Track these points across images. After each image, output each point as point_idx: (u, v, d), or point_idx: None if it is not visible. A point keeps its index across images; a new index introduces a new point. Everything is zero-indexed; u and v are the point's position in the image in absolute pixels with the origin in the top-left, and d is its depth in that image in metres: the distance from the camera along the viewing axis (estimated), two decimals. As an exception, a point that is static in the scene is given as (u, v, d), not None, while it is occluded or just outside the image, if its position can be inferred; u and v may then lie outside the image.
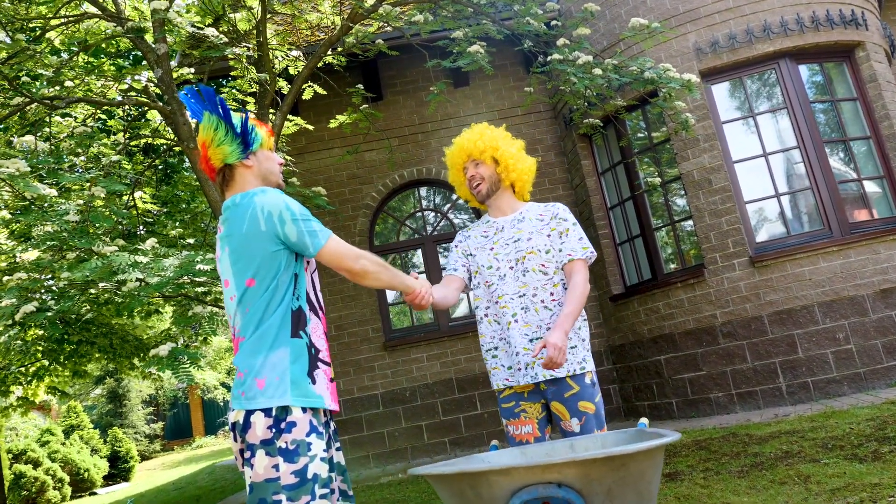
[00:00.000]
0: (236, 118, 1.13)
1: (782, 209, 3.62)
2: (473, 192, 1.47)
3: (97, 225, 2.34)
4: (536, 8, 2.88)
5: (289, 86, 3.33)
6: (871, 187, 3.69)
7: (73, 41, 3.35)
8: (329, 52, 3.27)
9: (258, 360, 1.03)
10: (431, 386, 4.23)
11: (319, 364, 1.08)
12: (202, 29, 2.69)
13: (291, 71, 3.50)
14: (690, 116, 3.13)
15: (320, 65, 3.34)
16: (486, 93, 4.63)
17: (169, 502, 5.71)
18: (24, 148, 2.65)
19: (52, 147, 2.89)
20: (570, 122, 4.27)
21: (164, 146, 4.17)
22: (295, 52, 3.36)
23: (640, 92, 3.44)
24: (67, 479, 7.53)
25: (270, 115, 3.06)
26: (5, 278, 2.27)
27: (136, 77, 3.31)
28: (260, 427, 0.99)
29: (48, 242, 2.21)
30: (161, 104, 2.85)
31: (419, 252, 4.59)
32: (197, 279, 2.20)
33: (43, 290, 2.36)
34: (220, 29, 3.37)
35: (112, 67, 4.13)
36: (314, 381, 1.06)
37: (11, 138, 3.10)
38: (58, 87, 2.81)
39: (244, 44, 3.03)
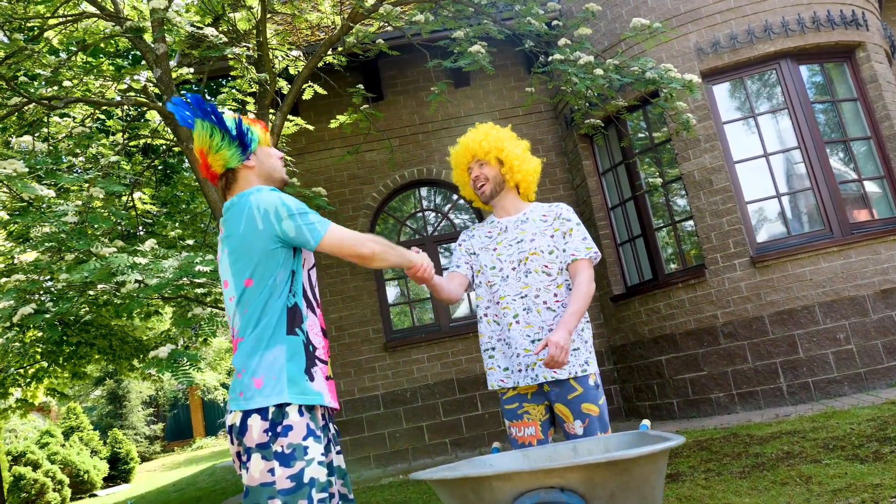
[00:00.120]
0: (230, 121, 1.12)
1: (783, 209, 3.61)
2: (477, 193, 1.46)
3: (96, 226, 2.33)
4: (537, 8, 2.88)
5: (289, 86, 3.32)
6: (871, 187, 3.68)
7: (71, 41, 3.34)
8: (329, 52, 3.26)
9: (255, 359, 1.03)
10: (432, 387, 4.23)
11: (317, 362, 1.07)
12: (201, 28, 2.68)
13: (291, 71, 3.49)
14: (692, 117, 3.13)
15: (320, 65, 3.33)
16: (487, 93, 4.62)
17: None
18: (23, 148, 2.63)
19: (51, 147, 2.88)
20: (572, 123, 4.26)
21: (164, 146, 4.16)
22: (295, 52, 3.35)
23: (642, 92, 3.43)
24: (67, 480, 7.52)
25: (270, 116, 3.05)
26: (3, 280, 2.26)
27: (135, 77, 3.30)
28: (256, 430, 0.98)
29: (46, 244, 2.20)
30: (160, 104, 2.84)
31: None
32: (196, 280, 2.19)
33: (41, 292, 2.35)
34: (220, 28, 3.36)
35: (111, 67, 4.11)
36: (312, 379, 1.05)
37: (9, 139, 3.09)
38: (56, 87, 2.80)
39: (244, 43, 3.02)
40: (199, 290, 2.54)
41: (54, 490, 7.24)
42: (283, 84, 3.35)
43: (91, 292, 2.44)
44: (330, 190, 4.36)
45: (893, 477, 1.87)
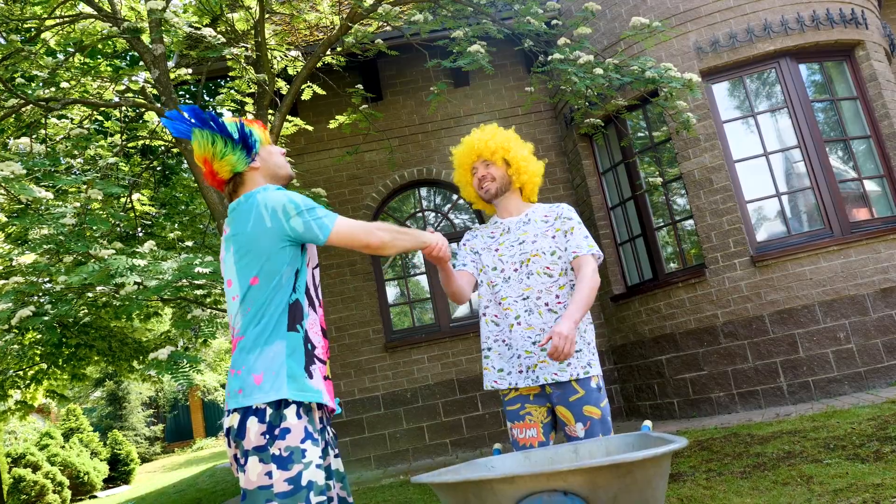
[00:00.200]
0: (231, 126, 1.13)
1: (783, 208, 3.61)
2: (481, 192, 1.45)
3: (94, 228, 2.32)
4: (537, 7, 2.87)
5: (288, 86, 3.31)
6: (871, 186, 3.68)
7: (68, 42, 3.33)
8: (328, 52, 3.25)
9: (254, 355, 1.02)
10: (432, 387, 4.22)
11: (315, 360, 1.07)
12: (199, 29, 2.67)
13: (290, 71, 3.48)
14: (692, 116, 3.12)
15: (319, 65, 3.32)
16: (487, 92, 4.61)
17: (169, 505, 5.69)
18: (21, 150, 2.62)
19: (49, 149, 2.87)
20: (571, 122, 4.26)
21: (162, 147, 4.14)
22: (294, 53, 3.34)
23: (641, 91, 3.43)
24: (67, 482, 7.50)
25: (269, 116, 3.04)
26: (1, 282, 2.25)
27: (133, 78, 3.29)
28: (253, 433, 0.98)
29: (45, 245, 2.19)
30: (158, 105, 2.83)
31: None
32: (196, 282, 2.19)
33: (40, 293, 2.34)
34: (218, 29, 3.34)
35: (108, 68, 4.10)
36: (311, 377, 1.05)
37: (7, 140, 3.08)
38: (54, 89, 2.79)
39: (242, 44, 3.01)
40: (198, 292, 2.53)
41: (54, 492, 7.23)
42: (281, 84, 3.34)
43: (90, 294, 2.43)
44: (329, 190, 4.35)
45: (894, 477, 1.87)
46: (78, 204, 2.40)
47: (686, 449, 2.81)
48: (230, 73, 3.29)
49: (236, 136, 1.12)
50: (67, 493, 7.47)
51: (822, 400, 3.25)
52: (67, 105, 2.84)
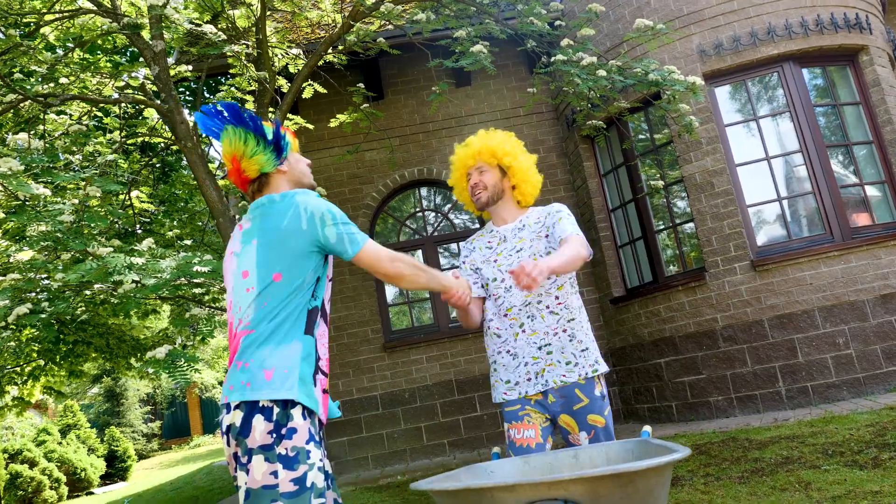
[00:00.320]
0: (267, 127, 1.15)
1: (784, 213, 3.61)
2: (473, 199, 1.45)
3: (92, 225, 2.30)
4: (540, 7, 2.85)
5: (288, 84, 3.29)
6: (871, 192, 3.68)
7: (68, 37, 3.31)
8: (330, 51, 3.23)
9: (266, 350, 1.01)
10: (431, 387, 4.21)
11: (319, 371, 1.07)
12: (200, 26, 2.65)
13: (291, 69, 3.46)
14: (694, 119, 3.11)
15: (321, 63, 3.30)
16: (489, 93, 4.60)
17: (166, 503, 5.68)
18: (19, 146, 2.60)
19: (47, 145, 2.85)
20: (573, 124, 4.24)
21: (162, 144, 4.12)
22: (295, 50, 3.32)
23: (644, 94, 3.42)
24: (64, 478, 7.49)
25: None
26: (-1, 279, 2.23)
27: (133, 74, 3.27)
28: (259, 431, 0.97)
29: (42, 243, 2.18)
30: (158, 102, 2.81)
31: (419, 253, 4.56)
32: (194, 280, 2.17)
33: (37, 290, 2.33)
34: (219, 26, 3.32)
35: (108, 64, 4.08)
36: (315, 385, 1.05)
37: (5, 136, 3.05)
38: (52, 84, 2.77)
39: (243, 41, 2.99)
40: (196, 290, 2.52)
41: (51, 488, 7.21)
42: (282, 82, 3.32)
43: (87, 292, 2.41)
44: (329, 189, 4.34)
45: (893, 484, 1.87)
46: (76, 201, 2.39)
47: (684, 453, 2.80)
48: (231, 71, 3.27)
49: (270, 137, 1.14)
50: (64, 490, 7.46)
51: (820, 405, 3.25)
52: (66, 101, 2.82)
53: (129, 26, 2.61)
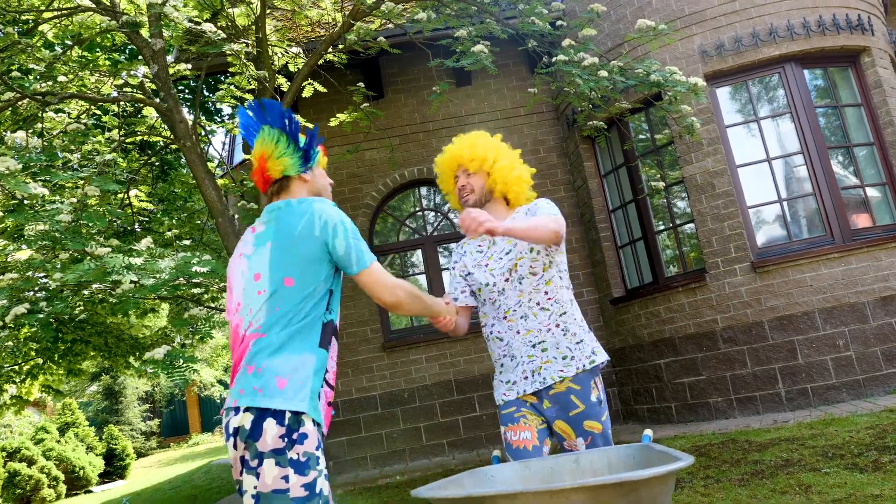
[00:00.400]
0: (301, 138, 1.18)
1: (784, 214, 3.60)
2: (461, 202, 1.44)
3: (90, 224, 2.29)
4: (541, 7, 2.84)
5: (288, 83, 3.27)
6: (872, 193, 3.67)
7: (66, 35, 3.28)
8: (330, 50, 3.22)
9: (280, 357, 1.01)
10: (430, 387, 4.21)
11: (325, 384, 1.07)
12: (200, 24, 2.63)
13: (291, 68, 3.44)
14: (695, 120, 3.10)
15: (321, 62, 3.28)
16: (489, 92, 4.58)
17: (165, 501, 5.68)
18: (17, 145, 2.59)
19: (45, 144, 2.83)
20: (574, 124, 4.23)
21: (161, 143, 4.10)
22: (295, 49, 3.30)
23: (645, 94, 3.41)
24: (62, 477, 7.48)
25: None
26: (-4, 279, 2.22)
27: (132, 72, 3.25)
28: (271, 435, 0.96)
29: (40, 242, 2.16)
30: (157, 101, 2.79)
31: (419, 252, 4.55)
32: (193, 280, 2.16)
33: (36, 289, 2.31)
34: (219, 24, 3.30)
35: (107, 62, 4.05)
36: (320, 399, 1.05)
37: (3, 134, 3.03)
38: (51, 83, 2.75)
39: (243, 40, 2.98)
40: (195, 290, 2.51)
41: (49, 486, 7.21)
42: (282, 81, 3.30)
43: (86, 291, 2.40)
44: (329, 189, 4.31)
45: (893, 488, 1.87)
46: (74, 200, 2.37)
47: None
48: (230, 69, 3.26)
49: (301, 143, 1.16)
50: (63, 488, 7.46)
51: (820, 407, 3.25)
52: (65, 99, 2.80)
53: (128, 24, 2.59)
